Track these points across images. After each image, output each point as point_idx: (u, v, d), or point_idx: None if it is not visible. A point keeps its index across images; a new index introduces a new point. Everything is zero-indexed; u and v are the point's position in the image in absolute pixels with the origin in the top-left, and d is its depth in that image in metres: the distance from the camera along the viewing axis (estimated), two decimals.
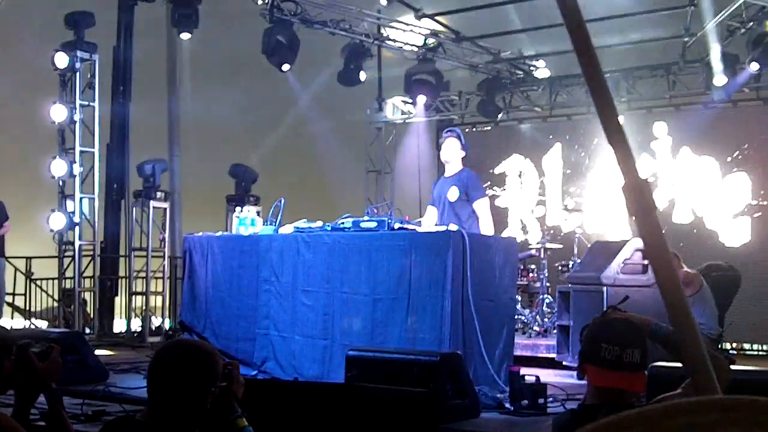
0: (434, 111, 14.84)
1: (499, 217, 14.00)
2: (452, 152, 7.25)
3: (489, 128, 14.56)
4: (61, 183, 11.06)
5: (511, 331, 6.63)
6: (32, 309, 12.14)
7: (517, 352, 7.25)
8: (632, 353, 2.62)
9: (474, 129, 14.98)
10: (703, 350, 1.20)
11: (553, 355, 8.16)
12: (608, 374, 2.58)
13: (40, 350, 2.91)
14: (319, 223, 7.08)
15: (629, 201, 1.14)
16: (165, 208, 11.40)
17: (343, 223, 6.82)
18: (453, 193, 7.12)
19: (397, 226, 6.48)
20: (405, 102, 14.84)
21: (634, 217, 1.18)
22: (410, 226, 6.59)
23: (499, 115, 14.14)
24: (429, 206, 7.50)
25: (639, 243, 7.85)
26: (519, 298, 10.07)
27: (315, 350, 6.75)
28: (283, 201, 7.45)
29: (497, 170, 14.24)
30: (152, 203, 11.10)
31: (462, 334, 6.00)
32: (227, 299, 7.53)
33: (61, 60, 10.91)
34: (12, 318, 12.02)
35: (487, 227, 7.05)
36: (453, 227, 6.50)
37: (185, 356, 2.35)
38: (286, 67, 11.91)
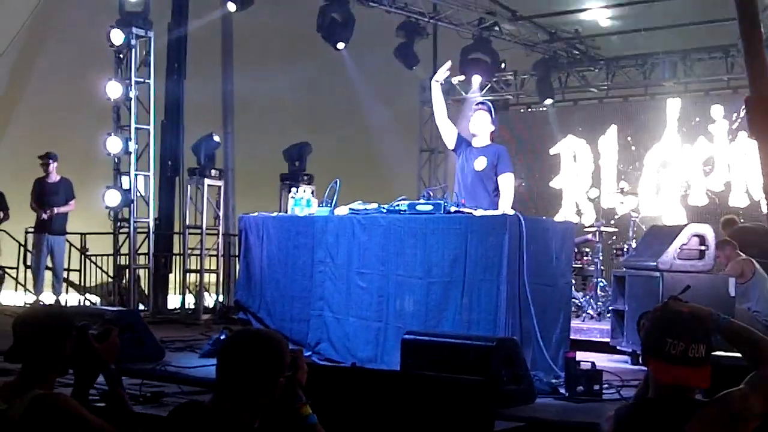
0: (489, 91, 14.76)
1: (554, 198, 13.96)
2: (483, 125, 7.18)
3: (544, 108, 14.45)
4: (116, 160, 11.22)
5: (567, 316, 6.61)
6: (87, 285, 12.43)
7: (571, 336, 7.23)
8: (698, 348, 2.59)
9: (529, 109, 14.91)
10: None
11: (607, 340, 8.14)
12: (674, 370, 2.55)
13: (99, 332, 2.98)
14: (375, 205, 7.11)
15: None
16: (219, 186, 11.53)
17: (398, 205, 6.84)
18: (481, 162, 7.02)
19: (453, 209, 6.49)
20: (460, 82, 14.78)
21: None
22: (466, 210, 6.58)
23: (555, 96, 14.01)
24: (451, 130, 7.32)
25: (696, 228, 7.77)
26: (573, 282, 10.03)
27: (369, 332, 6.80)
28: (338, 182, 7.48)
29: (552, 151, 14.16)
30: (207, 181, 11.23)
31: (518, 318, 6.00)
32: (282, 280, 7.60)
33: (117, 37, 11.02)
34: (67, 293, 12.34)
35: (506, 202, 6.90)
36: (509, 210, 6.50)
37: (256, 346, 2.39)
38: (341, 45, 11.94)
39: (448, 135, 7.33)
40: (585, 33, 13.46)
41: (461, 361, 5.17)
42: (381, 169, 15.51)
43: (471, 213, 6.48)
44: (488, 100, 14.88)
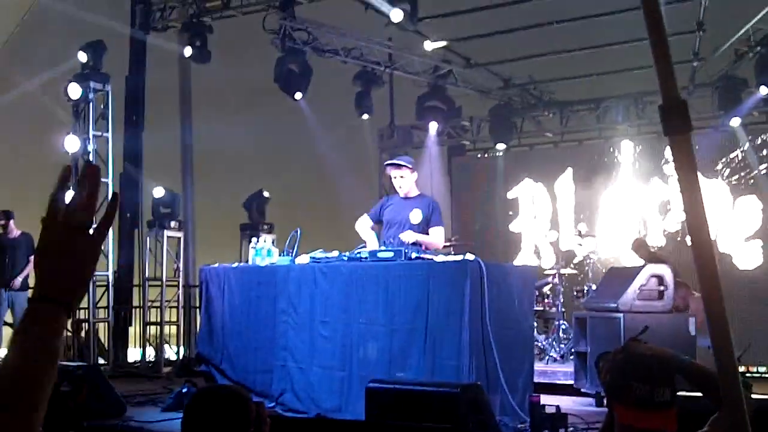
0: (446, 136, 14.89)
1: (513, 242, 14.03)
2: (407, 183, 7.16)
3: (500, 153, 14.59)
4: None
5: (531, 360, 6.63)
6: None
7: (535, 379, 7.22)
8: (663, 391, 2.57)
9: (486, 155, 15.04)
10: (739, 385, 1.19)
11: (571, 382, 8.13)
12: (639, 414, 2.53)
13: (70, 389, 2.90)
14: (336, 253, 7.09)
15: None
16: (179, 238, 11.44)
17: (359, 252, 6.83)
18: (416, 216, 7.05)
19: (414, 255, 6.49)
20: (416, 128, 14.89)
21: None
22: (427, 256, 6.59)
23: (511, 141, 14.16)
24: (365, 216, 7.34)
25: (655, 269, 7.84)
26: (535, 324, 10.05)
27: (333, 382, 6.73)
28: (299, 231, 7.46)
29: (510, 195, 14.26)
30: (166, 232, 11.16)
31: (483, 363, 5.99)
32: (244, 331, 7.53)
33: (74, 91, 10.98)
34: None
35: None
36: (470, 256, 6.51)
37: (221, 404, 2.36)
38: (298, 95, 11.99)
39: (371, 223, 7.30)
40: (539, 78, 13.67)
41: (427, 409, 5.12)
42: (341, 216, 15.49)
43: (432, 259, 6.48)
44: (446, 144, 15.18)
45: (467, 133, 15.06)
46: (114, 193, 1.35)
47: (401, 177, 7.14)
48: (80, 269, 1.24)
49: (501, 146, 13.98)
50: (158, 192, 11.34)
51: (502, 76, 13.57)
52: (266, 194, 12.25)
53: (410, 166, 7.23)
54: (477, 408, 5.26)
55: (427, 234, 7.02)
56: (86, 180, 1.26)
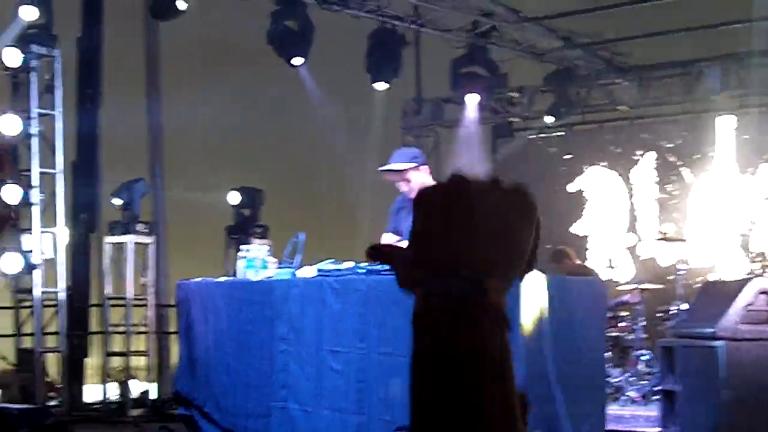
0: (490, 112, 14.89)
1: (577, 248, 14.01)
2: (419, 184, 6.86)
3: (561, 133, 14.56)
4: (13, 214, 11.19)
5: (602, 401, 6.65)
6: None
7: (608, 426, 7.25)
8: None
9: (541, 135, 15.01)
10: None
11: (657, 430, 8.13)
12: None
13: None
14: (350, 264, 7.13)
15: None
16: (148, 244, 11.52)
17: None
18: None
19: None
20: (449, 102, 14.92)
21: None
22: None
23: (574, 116, 14.15)
24: (388, 236, 7.30)
25: (764, 283, 7.83)
26: (608, 355, 10.06)
27: (347, 428, 6.77)
28: (302, 236, 7.51)
29: (572, 188, 14.24)
30: (131, 238, 11.23)
31: (540, 406, 6.01)
32: (234, 363, 7.59)
33: (12, 57, 11.03)
34: None
35: None
36: None
37: None
38: (297, 60, 12.05)
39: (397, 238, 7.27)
40: (609, 36, 13.65)
41: None
42: (355, 216, 15.55)
43: None
44: (489, 123, 15.17)
45: (516, 107, 15.06)
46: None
47: (406, 181, 7.06)
48: None
49: (549, 119, 13.94)
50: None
51: (562, 33, 13.55)
52: (259, 188, 12.31)
53: (413, 164, 7.10)
54: None
55: None
56: None
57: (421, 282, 1.05)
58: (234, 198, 12.13)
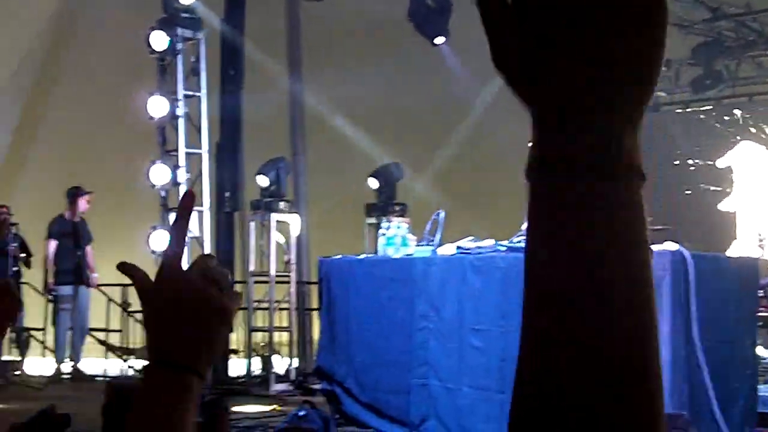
0: None
1: (726, 226, 13.63)
2: None
3: (709, 107, 14.18)
4: (162, 193, 11.48)
5: (753, 383, 6.47)
6: (130, 347, 12.70)
7: (760, 409, 7.03)
8: None
9: (688, 109, 14.67)
10: None
11: None
12: None
13: (204, 420, 3.01)
14: (491, 242, 7.08)
15: None
16: (290, 222, 11.67)
17: (521, 241, 6.81)
18: None
19: None
20: None
21: None
22: None
23: (724, 90, 13.75)
24: None
25: None
26: (759, 337, 9.77)
27: (490, 406, 6.72)
28: (442, 214, 7.49)
29: (721, 163, 13.85)
30: (275, 216, 11.40)
31: (688, 388, 5.88)
32: (374, 340, 7.64)
33: (159, 41, 11.28)
34: (106, 358, 12.64)
35: None
36: (670, 245, 6.37)
37: None
38: (439, 39, 11.99)
39: None
40: (759, 6, 13.20)
41: None
42: (498, 195, 15.43)
43: None
44: None
45: (662, 81, 14.70)
46: (188, 191, 1.43)
47: None
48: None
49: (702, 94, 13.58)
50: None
51: (710, 3, 13.17)
52: (399, 166, 12.32)
53: None
54: None
55: None
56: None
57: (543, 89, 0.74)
58: (374, 183, 12.11)
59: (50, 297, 12.10)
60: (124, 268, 1.34)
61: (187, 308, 1.31)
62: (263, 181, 11.49)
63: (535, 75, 0.75)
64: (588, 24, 0.73)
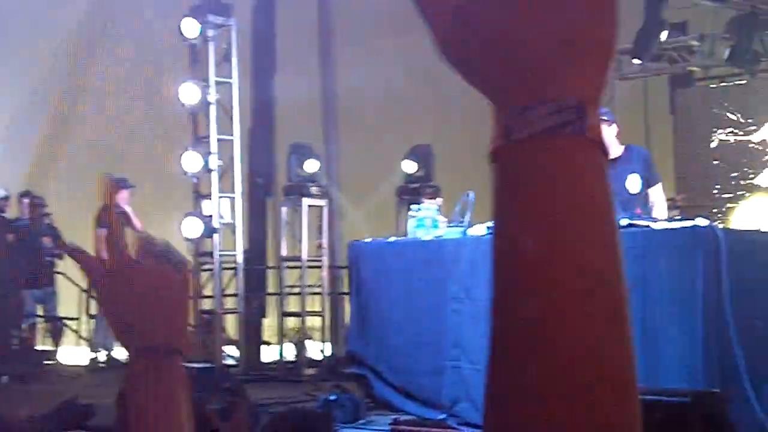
0: (666, 61, 14.40)
1: (761, 201, 13.46)
2: (610, 138, 7.05)
3: (744, 82, 13.96)
4: (195, 180, 11.49)
5: None
6: None
7: None
8: None
9: (722, 84, 14.47)
10: None
11: None
12: None
13: (221, 406, 2.97)
14: None
15: None
16: (322, 207, 11.66)
17: None
18: (635, 183, 7.05)
19: (624, 222, 6.32)
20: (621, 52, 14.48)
21: None
22: (642, 222, 6.43)
23: (760, 65, 13.53)
24: None
25: None
26: None
27: None
28: (471, 195, 7.45)
29: (757, 137, 13.68)
30: (306, 201, 11.39)
31: (721, 365, 5.80)
32: (405, 322, 7.60)
33: (190, 28, 11.27)
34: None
35: (663, 216, 7.13)
36: (702, 221, 6.28)
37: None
38: None
39: None
40: None
41: (647, 424, 4.98)
42: None
43: (649, 226, 6.30)
44: (667, 73, 14.69)
45: (695, 55, 14.49)
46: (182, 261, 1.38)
47: (606, 132, 7.01)
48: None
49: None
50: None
51: None
52: (431, 148, 12.24)
53: (605, 118, 7.10)
54: (713, 423, 5.09)
55: (646, 200, 7.05)
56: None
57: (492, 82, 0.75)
58: (409, 167, 11.99)
59: None
60: (72, 252, 1.31)
61: (150, 291, 1.28)
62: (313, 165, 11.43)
63: (492, 66, 0.74)
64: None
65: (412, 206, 8.63)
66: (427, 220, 7.85)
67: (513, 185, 0.74)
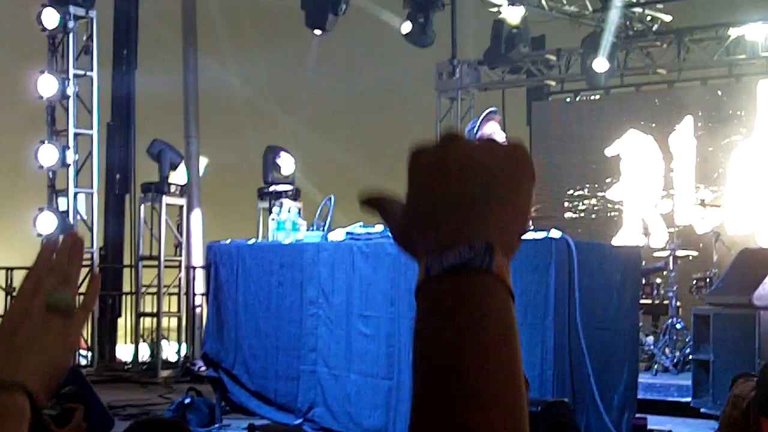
0: (525, 75, 14.71)
1: (612, 214, 13.88)
2: (499, 139, 7.19)
3: (597, 97, 14.37)
4: (50, 174, 11.25)
5: (634, 369, 6.59)
6: None
7: (640, 395, 7.17)
8: None
9: (577, 99, 14.85)
10: None
11: (688, 400, 8.04)
12: None
13: (57, 412, 2.89)
14: (380, 228, 7.05)
15: None
16: (181, 206, 11.54)
17: None
18: None
19: None
20: (484, 64, 14.76)
21: None
22: None
23: (612, 80, 13.95)
24: None
25: None
26: (641, 324, 9.95)
27: (377, 393, 6.74)
28: (332, 199, 7.45)
29: (609, 152, 14.07)
30: (165, 199, 11.24)
31: (570, 374, 5.94)
32: (263, 326, 7.56)
33: (50, 18, 11.05)
34: None
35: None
36: (555, 233, 6.41)
37: None
38: (317, 32, 11.98)
39: None
40: None
41: None
42: (387, 181, 15.48)
43: None
44: (524, 85, 15.04)
45: (552, 70, 14.86)
46: (94, 273, 1.33)
47: (488, 130, 7.14)
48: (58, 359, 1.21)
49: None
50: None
51: None
52: (290, 152, 12.23)
53: (498, 120, 7.38)
54: (562, 431, 5.22)
55: None
56: (72, 251, 1.23)
57: (419, 249, 0.91)
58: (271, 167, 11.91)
59: None
60: None
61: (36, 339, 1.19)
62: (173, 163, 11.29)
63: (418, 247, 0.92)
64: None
65: (272, 208, 8.59)
66: (287, 223, 7.82)
67: (427, 311, 0.89)
